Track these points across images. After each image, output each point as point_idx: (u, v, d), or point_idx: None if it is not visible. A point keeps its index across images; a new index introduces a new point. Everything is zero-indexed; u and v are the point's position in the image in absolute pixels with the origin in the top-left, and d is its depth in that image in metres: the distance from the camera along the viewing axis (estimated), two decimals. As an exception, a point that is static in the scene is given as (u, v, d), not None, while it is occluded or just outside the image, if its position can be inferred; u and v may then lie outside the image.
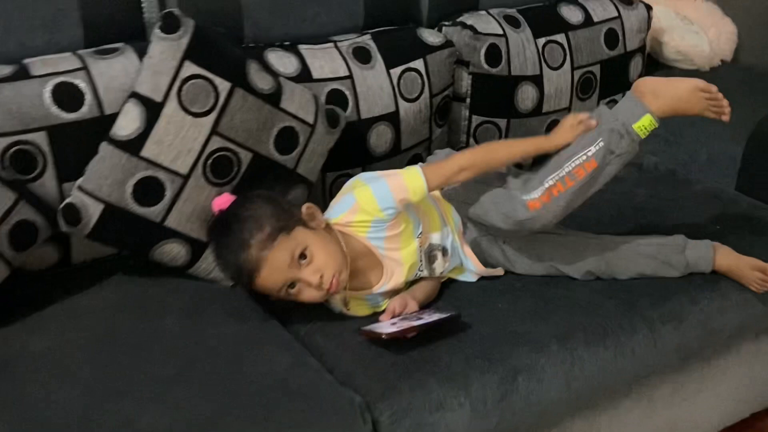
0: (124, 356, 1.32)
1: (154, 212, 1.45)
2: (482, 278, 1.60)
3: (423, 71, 1.78)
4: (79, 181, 1.41)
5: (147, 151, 1.42)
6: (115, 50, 1.50)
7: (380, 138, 1.74)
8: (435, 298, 1.54)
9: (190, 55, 1.44)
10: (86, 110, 1.44)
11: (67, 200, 1.41)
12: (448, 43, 1.84)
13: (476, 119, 1.94)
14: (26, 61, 1.45)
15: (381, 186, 1.41)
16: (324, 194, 1.70)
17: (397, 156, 1.78)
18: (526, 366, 1.39)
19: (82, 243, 1.48)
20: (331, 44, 1.72)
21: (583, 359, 1.44)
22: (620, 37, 2.08)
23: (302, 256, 1.35)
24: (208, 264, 1.50)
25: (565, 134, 1.45)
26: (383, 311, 1.45)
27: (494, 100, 1.93)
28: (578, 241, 1.57)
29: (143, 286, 1.50)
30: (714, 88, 1.44)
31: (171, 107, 1.43)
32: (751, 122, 2.01)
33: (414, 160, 1.79)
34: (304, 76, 1.64)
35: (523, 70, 1.93)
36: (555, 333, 1.45)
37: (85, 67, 1.45)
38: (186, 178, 1.46)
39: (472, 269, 1.57)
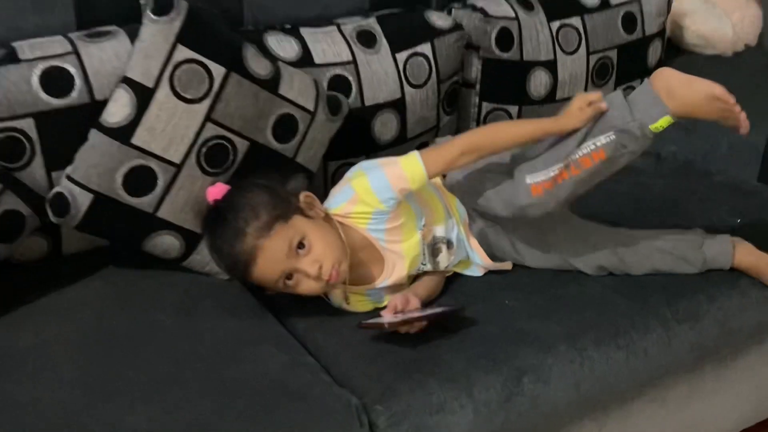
0: (114, 354, 1.27)
1: (145, 203, 1.40)
2: (489, 273, 1.53)
3: (430, 56, 1.71)
4: (68, 169, 1.37)
5: (138, 138, 1.37)
6: (106, 33, 1.44)
7: (385, 126, 1.68)
8: (439, 294, 1.48)
9: (183, 38, 1.38)
10: (76, 96, 1.39)
11: (55, 190, 1.36)
12: (457, 27, 1.77)
13: (486, 106, 1.87)
14: (14, 44, 1.39)
15: (379, 176, 1.35)
16: (326, 184, 1.64)
17: (403, 145, 1.72)
18: (533, 366, 1.33)
19: (72, 234, 1.43)
20: (334, 27, 1.66)
21: (593, 359, 1.38)
22: (639, 21, 2.00)
23: (300, 245, 1.30)
24: (202, 256, 1.45)
25: (574, 118, 1.36)
26: (384, 308, 1.39)
27: (505, 87, 1.86)
28: (591, 234, 1.51)
29: (135, 279, 1.45)
30: (731, 99, 1.32)
31: (163, 93, 1.37)
32: (775, 110, 1.92)
33: (420, 149, 1.72)
34: (305, 60, 1.58)
35: (536, 55, 1.86)
36: (564, 332, 1.39)
37: (75, 51, 1.40)
38: (179, 167, 1.40)
39: (478, 263, 1.51)
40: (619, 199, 1.69)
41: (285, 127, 1.49)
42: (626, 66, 2.00)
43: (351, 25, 1.67)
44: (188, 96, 1.39)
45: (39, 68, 1.37)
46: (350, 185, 1.37)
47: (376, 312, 1.40)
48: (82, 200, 1.36)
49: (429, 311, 1.34)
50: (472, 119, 1.89)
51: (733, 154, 1.95)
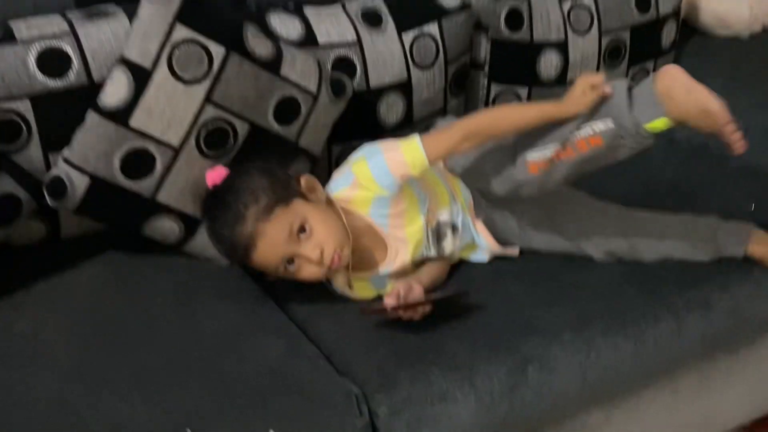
0: (110, 341, 1.25)
1: (144, 186, 1.37)
2: (495, 259, 1.50)
3: (438, 36, 1.67)
4: (64, 152, 1.34)
5: (135, 121, 1.34)
6: (104, 13, 1.41)
7: (391, 108, 1.64)
8: (444, 282, 1.45)
9: (181, 17, 1.34)
10: (73, 77, 1.36)
11: (52, 173, 1.34)
12: (465, 6, 1.72)
13: (495, 88, 1.83)
14: (11, 22, 1.36)
15: (379, 162, 1.32)
16: (329, 168, 1.61)
17: (409, 128, 1.68)
18: (538, 355, 1.30)
19: (70, 217, 1.41)
20: (338, 6, 1.62)
21: (600, 349, 1.35)
22: (653, 0, 1.94)
23: (301, 230, 1.28)
24: (202, 241, 1.42)
25: (577, 103, 1.31)
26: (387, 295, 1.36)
27: (515, 68, 1.82)
28: (602, 217, 1.47)
29: (134, 264, 1.43)
30: (724, 119, 1.24)
31: (161, 74, 1.34)
32: (793, 92, 1.87)
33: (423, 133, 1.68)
34: (308, 41, 1.55)
35: (546, 36, 1.81)
36: (570, 320, 1.36)
37: (72, 31, 1.37)
38: (178, 150, 1.37)
39: (484, 246, 1.48)
40: (630, 183, 1.64)
41: (287, 110, 1.45)
42: (639, 47, 1.94)
43: (356, 4, 1.63)
44: (187, 77, 1.35)
45: (36, 48, 1.34)
46: (350, 170, 1.35)
47: (379, 299, 1.37)
48: (79, 183, 1.33)
49: (431, 296, 1.31)
50: (480, 101, 1.85)
51: (749, 138, 1.88)
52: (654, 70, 1.99)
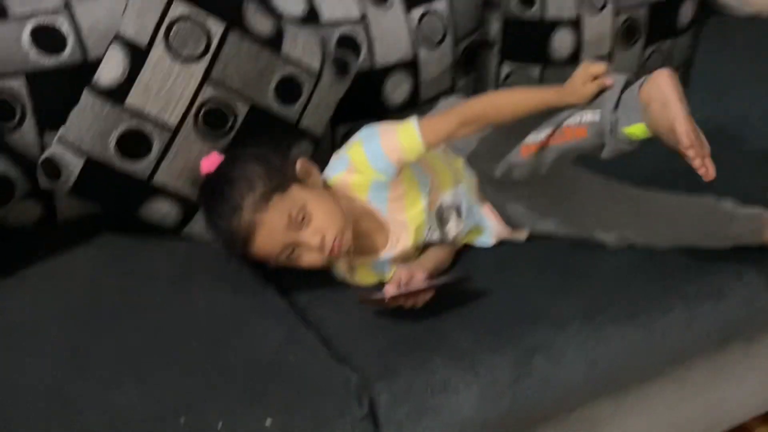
0: (105, 326, 1.23)
1: (140, 168, 1.34)
2: (501, 244, 1.46)
3: (446, 13, 1.62)
4: (59, 132, 1.31)
5: (132, 100, 1.30)
6: (101, -12, 1.37)
7: (396, 88, 1.59)
8: (448, 267, 1.41)
9: (179, -8, 1.31)
10: (68, 55, 1.33)
11: (46, 153, 1.31)
12: (475, -17, 1.67)
13: (507, 68, 1.78)
14: (5, -1, 1.33)
15: (374, 146, 1.28)
16: (332, 150, 1.54)
17: (416, 108, 1.63)
18: (544, 345, 1.27)
19: (66, 199, 1.38)
20: (344, -19, 1.57)
21: (609, 338, 1.31)
22: (670, -23, 1.88)
23: (300, 216, 1.24)
24: (201, 225, 1.39)
25: (577, 93, 1.26)
26: (389, 282, 1.32)
27: (527, 47, 1.77)
28: (613, 200, 1.42)
29: (132, 248, 1.40)
30: (686, 143, 1.12)
31: (158, 52, 1.31)
32: (814, 73, 1.81)
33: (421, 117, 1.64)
34: (311, 17, 1.50)
35: (559, 13, 1.75)
36: (579, 309, 1.32)
37: (67, 7, 1.33)
38: (175, 130, 1.34)
39: (491, 229, 1.44)
40: (642, 168, 1.57)
41: (288, 90, 1.41)
42: (656, 26, 1.88)
43: (361, -20, 1.58)
44: (185, 55, 1.32)
45: (30, 25, 1.31)
46: (346, 154, 1.32)
47: (380, 286, 1.33)
48: (74, 164, 1.31)
49: (433, 282, 1.27)
50: (490, 81, 1.80)
51: (766, 123, 1.84)
52: (671, 49, 1.93)
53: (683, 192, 1.48)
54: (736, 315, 1.41)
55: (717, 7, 2.13)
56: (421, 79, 1.62)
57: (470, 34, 1.69)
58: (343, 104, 1.51)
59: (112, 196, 1.36)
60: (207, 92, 1.34)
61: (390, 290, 1.24)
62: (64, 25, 1.32)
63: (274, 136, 1.40)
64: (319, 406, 1.14)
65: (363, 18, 1.54)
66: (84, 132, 1.30)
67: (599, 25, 1.80)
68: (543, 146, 1.27)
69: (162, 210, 1.38)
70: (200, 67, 1.33)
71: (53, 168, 1.30)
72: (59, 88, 1.32)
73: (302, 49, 1.42)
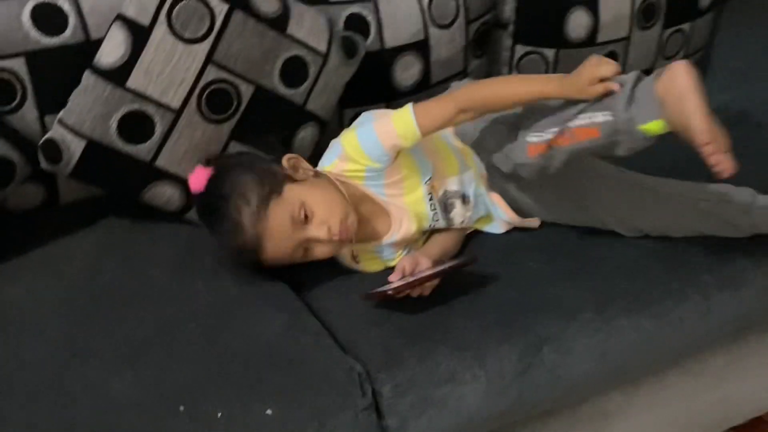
0: (104, 311, 1.21)
1: (142, 150, 1.32)
2: (513, 230, 1.42)
3: (458, -7, 1.58)
4: (60, 114, 1.28)
5: (133, 81, 1.28)
6: (103, -34, 1.34)
7: (407, 70, 1.56)
8: (456, 254, 1.37)
9: (181, -29, 1.28)
10: (69, 34, 1.30)
11: (47, 136, 1.29)
12: (488, -39, 1.63)
13: (520, 49, 1.73)
14: (5, -23, 1.31)
15: (368, 133, 1.26)
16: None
17: (427, 91, 1.60)
18: (554, 335, 1.23)
19: (69, 182, 1.36)
20: (352, -41, 1.53)
21: (621, 329, 1.27)
22: (691, -45, 1.82)
23: (302, 214, 1.23)
24: (204, 208, 1.37)
25: (582, 90, 1.20)
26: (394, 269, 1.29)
27: (542, 28, 1.72)
28: (627, 190, 1.38)
29: (134, 232, 1.38)
30: (703, 139, 1.10)
31: (160, 32, 1.28)
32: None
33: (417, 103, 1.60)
34: (318, -4, 1.47)
35: (576, -7, 1.70)
36: (591, 299, 1.28)
37: (69, -15, 1.31)
38: (178, 112, 1.31)
39: (502, 217, 1.40)
40: (660, 152, 1.52)
41: (294, 71, 1.38)
42: (675, 7, 1.82)
43: (371, -43, 1.54)
44: (187, 35, 1.29)
45: (30, 3, 1.28)
46: (339, 142, 1.29)
47: (387, 273, 1.30)
48: (75, 147, 1.28)
49: (438, 268, 1.24)
50: (504, 63, 1.75)
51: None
52: (691, 32, 1.88)
53: (700, 180, 1.44)
54: (753, 305, 1.37)
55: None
56: (432, 60, 1.58)
57: (483, 14, 1.65)
58: (351, 86, 1.48)
59: (114, 179, 1.34)
60: (210, 74, 1.31)
61: (394, 280, 1.21)
62: (65, 4, 1.30)
63: (279, 119, 1.37)
64: (321, 395, 1.12)
65: (372, -3, 1.50)
66: (85, 114, 1.28)
67: (617, 6, 1.75)
68: (551, 146, 1.21)
69: (165, 194, 1.35)
70: (203, 48, 1.30)
71: (54, 151, 1.28)
72: (60, 68, 1.30)
73: (308, 29, 1.39)
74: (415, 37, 1.54)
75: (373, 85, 1.54)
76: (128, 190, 1.35)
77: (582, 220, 1.39)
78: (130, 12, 1.27)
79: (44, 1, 1.29)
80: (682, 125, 1.12)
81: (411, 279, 1.20)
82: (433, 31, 1.56)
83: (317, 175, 1.29)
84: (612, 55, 1.77)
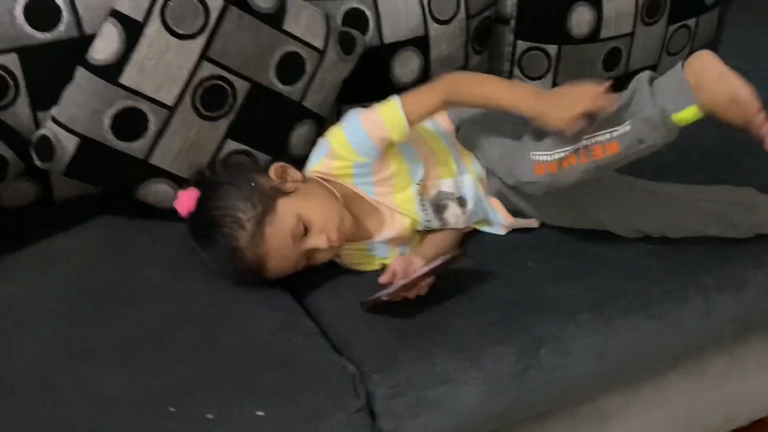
0: (97, 310, 1.20)
1: (136, 148, 1.30)
2: (513, 230, 1.40)
3: (459, -13, 1.56)
4: (53, 111, 1.27)
5: (127, 78, 1.26)
6: (97, -39, 1.32)
7: (406, 66, 1.54)
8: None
9: (175, -34, 1.26)
10: (63, 30, 1.29)
11: (39, 132, 1.27)
12: (489, -45, 1.60)
13: (522, 45, 1.71)
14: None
15: (355, 126, 1.25)
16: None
17: (426, 87, 1.58)
18: (552, 336, 1.22)
19: (62, 179, 1.35)
20: (351, -47, 1.51)
21: (620, 330, 1.26)
22: (696, -50, 1.80)
23: (301, 228, 1.21)
24: (199, 206, 1.35)
25: (561, 120, 1.15)
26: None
27: (544, 24, 1.69)
28: (626, 194, 1.35)
29: (129, 230, 1.36)
30: (754, 108, 1.12)
31: (153, 28, 1.26)
32: None
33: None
34: (316, -9, 1.45)
35: (578, -12, 1.68)
36: (589, 299, 1.27)
37: (62, -20, 1.29)
38: (172, 109, 1.30)
39: (500, 222, 1.38)
40: (656, 160, 1.52)
41: (290, 67, 1.37)
42: (680, 2, 1.80)
43: (370, -49, 1.52)
44: (181, 31, 1.27)
45: (23, -1, 1.27)
46: (326, 139, 1.28)
47: (384, 270, 1.28)
48: (68, 144, 1.27)
49: (431, 265, 1.22)
50: (505, 59, 1.73)
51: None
52: (696, 28, 1.85)
53: (703, 180, 1.42)
54: (754, 306, 1.35)
55: (746, -18, 2.04)
56: (432, 56, 1.56)
57: (484, 9, 1.62)
58: (349, 83, 1.46)
59: (108, 177, 1.33)
60: (205, 70, 1.30)
61: (385, 282, 1.20)
62: (59, -1, 1.29)
63: (275, 116, 1.35)
64: (313, 396, 1.10)
65: (371, -8, 1.48)
66: (78, 110, 1.26)
67: (620, 1, 1.73)
68: (561, 165, 1.18)
69: (159, 191, 1.34)
70: (198, 44, 1.28)
71: (47, 148, 1.27)
72: (54, 64, 1.28)
73: (305, 24, 1.37)
74: (414, 32, 1.52)
75: (372, 82, 1.51)
76: (122, 188, 1.34)
77: (581, 223, 1.37)
78: (124, 7, 1.26)
79: (37, -5, 1.28)
80: (726, 101, 1.13)
81: (404, 281, 1.18)
82: (433, 27, 1.54)
83: (306, 180, 1.28)
84: (616, 52, 1.75)
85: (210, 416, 1.05)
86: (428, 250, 1.30)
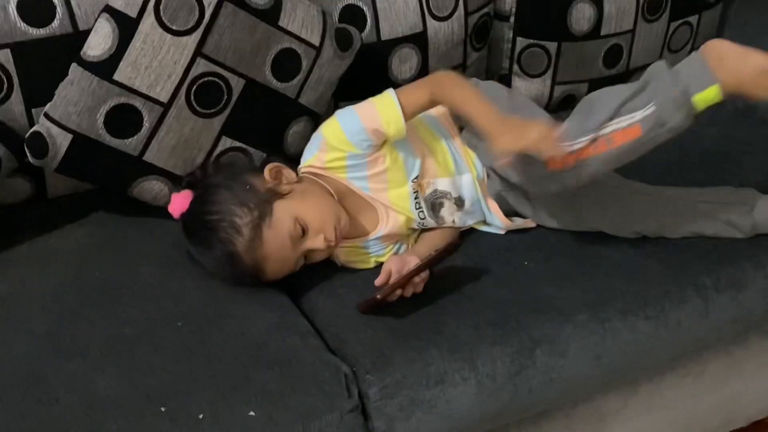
0: (90, 308, 1.19)
1: (130, 145, 1.29)
2: (511, 230, 1.39)
3: (457, -17, 1.54)
4: (46, 107, 1.26)
5: (120, 74, 1.26)
6: (91, -44, 1.32)
7: (404, 63, 1.53)
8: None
9: (170, -39, 1.25)
10: (57, 25, 1.28)
11: (33, 129, 1.27)
12: (488, -49, 1.59)
13: (521, 42, 1.69)
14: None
15: (350, 116, 1.24)
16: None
17: (424, 84, 1.56)
18: (548, 337, 1.20)
19: (57, 176, 1.34)
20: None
21: (617, 331, 1.24)
22: (698, -54, 1.78)
23: (299, 230, 1.20)
24: (194, 204, 1.34)
25: (514, 142, 1.14)
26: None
27: (543, 20, 1.68)
28: (626, 198, 1.34)
29: (124, 227, 1.36)
30: None
31: (148, 24, 1.25)
32: None
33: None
34: (312, -12, 1.44)
35: (578, -16, 1.66)
36: (586, 299, 1.25)
37: (56, -25, 1.28)
38: (167, 106, 1.29)
39: (497, 224, 1.37)
40: (664, 150, 1.50)
41: (286, 64, 1.36)
42: (683, -1, 1.79)
43: (368, -54, 1.51)
44: (176, 27, 1.26)
45: (17, -6, 1.26)
46: (320, 132, 1.27)
47: (379, 268, 1.27)
48: (61, 141, 1.26)
49: (424, 259, 1.21)
50: (505, 56, 1.72)
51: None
52: (698, 25, 1.83)
53: (703, 179, 1.41)
54: (754, 308, 1.33)
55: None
56: (430, 53, 1.55)
57: (483, 5, 1.61)
58: (347, 80, 1.45)
59: (101, 174, 1.32)
60: (200, 66, 1.29)
61: (380, 283, 1.19)
62: (53, -5, 1.28)
63: (271, 113, 1.34)
64: (306, 396, 1.09)
65: (369, -12, 1.47)
66: (71, 107, 1.25)
67: (622, -3, 1.71)
68: (578, 157, 1.17)
69: (153, 188, 1.33)
70: (192, 40, 1.27)
71: (40, 144, 1.26)
72: (48, 60, 1.28)
73: (301, 21, 1.36)
74: (412, 29, 1.51)
75: (370, 79, 1.50)
76: (115, 185, 1.33)
77: (579, 226, 1.36)
78: (118, 3, 1.25)
79: (31, -9, 1.27)
80: (754, 75, 1.15)
81: (398, 278, 1.17)
82: (432, 23, 1.53)
83: (300, 180, 1.27)
84: (616, 48, 1.73)
85: (201, 416, 1.04)
86: (424, 249, 1.29)
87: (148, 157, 1.31)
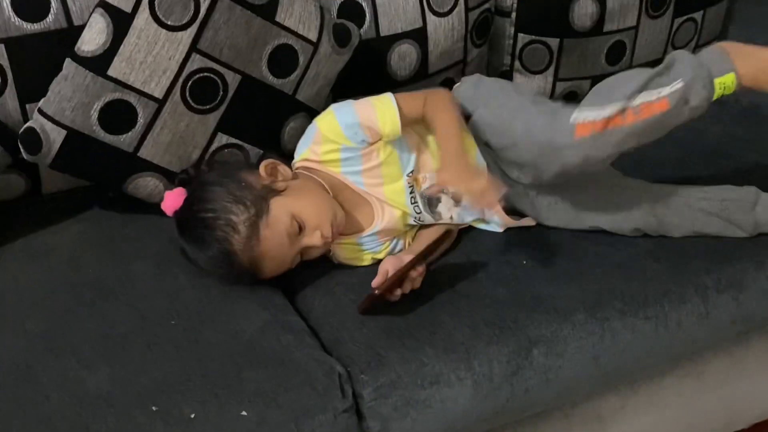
0: (84, 305, 1.19)
1: (125, 141, 1.28)
2: (510, 228, 1.37)
3: (458, -21, 1.53)
4: (40, 103, 1.25)
5: (115, 70, 1.25)
6: (86, -50, 1.30)
7: (403, 59, 1.51)
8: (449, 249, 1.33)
9: (165, -44, 1.24)
10: (52, 20, 1.27)
11: (27, 125, 1.26)
12: (489, -54, 1.57)
13: (523, 38, 1.68)
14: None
15: (346, 109, 1.24)
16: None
17: (424, 81, 1.55)
18: (545, 337, 1.19)
19: (52, 172, 1.33)
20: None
21: (615, 331, 1.23)
22: (703, -59, 1.76)
23: (296, 227, 1.19)
24: (189, 200, 1.33)
25: (468, 189, 1.17)
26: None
27: (545, 16, 1.66)
28: (627, 193, 1.33)
29: (118, 224, 1.35)
30: None
31: (142, 19, 1.24)
32: None
33: (444, 86, 1.55)
34: (310, -17, 1.42)
35: (581, -21, 1.64)
36: (585, 299, 1.24)
37: (51, -30, 1.27)
38: (161, 102, 1.28)
39: (497, 221, 1.36)
40: (666, 145, 1.48)
41: (283, 60, 1.34)
42: (687, -6, 1.77)
43: (367, -59, 1.50)
44: (171, 22, 1.25)
45: (10, -11, 1.25)
46: (315, 124, 1.26)
47: (377, 266, 1.26)
48: (55, 137, 1.25)
49: (418, 254, 1.20)
50: (506, 53, 1.70)
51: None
52: (702, 21, 1.81)
53: (706, 176, 1.39)
54: (755, 308, 1.32)
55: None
56: (430, 49, 1.53)
57: (484, 1, 1.59)
58: (345, 76, 1.44)
59: (96, 170, 1.31)
60: (195, 62, 1.28)
61: (377, 285, 1.18)
62: (47, -11, 1.27)
63: (267, 110, 1.33)
64: (299, 396, 1.08)
65: (368, -17, 1.46)
66: (65, 103, 1.24)
67: (625, -7, 1.69)
68: (606, 125, 1.17)
69: (148, 185, 1.32)
70: (187, 35, 1.26)
71: (34, 140, 1.25)
72: (42, 56, 1.27)
73: (298, 16, 1.35)
74: (412, 24, 1.50)
75: (368, 75, 1.49)
76: (110, 181, 1.32)
77: (579, 224, 1.35)
78: (112, -2, 1.24)
79: (25, -15, 1.26)
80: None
81: (393, 275, 1.16)
82: (431, 19, 1.51)
83: (296, 176, 1.26)
84: (619, 45, 1.72)
85: (193, 416, 1.03)
86: (420, 248, 1.28)
87: (142, 153, 1.30)
